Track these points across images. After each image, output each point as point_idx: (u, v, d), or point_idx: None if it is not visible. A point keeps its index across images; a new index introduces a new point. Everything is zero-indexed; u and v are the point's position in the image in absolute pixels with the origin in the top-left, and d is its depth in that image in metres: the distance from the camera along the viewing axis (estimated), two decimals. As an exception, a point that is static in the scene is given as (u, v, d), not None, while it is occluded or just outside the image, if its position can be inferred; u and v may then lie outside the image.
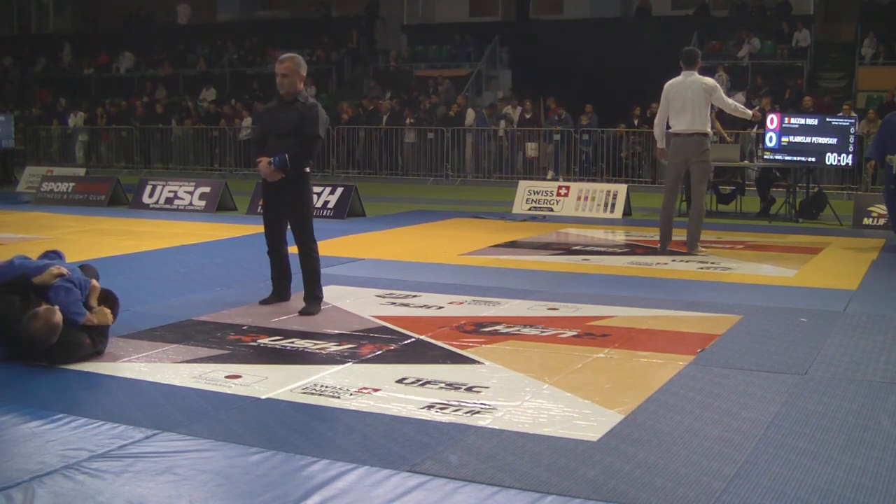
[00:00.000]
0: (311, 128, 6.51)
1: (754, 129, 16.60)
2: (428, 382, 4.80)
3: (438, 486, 3.47)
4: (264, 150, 6.62)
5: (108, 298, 5.58)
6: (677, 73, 9.39)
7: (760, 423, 4.16)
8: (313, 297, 6.60)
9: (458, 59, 24.83)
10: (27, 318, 4.97)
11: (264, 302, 6.77)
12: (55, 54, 29.61)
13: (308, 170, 6.65)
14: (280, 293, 6.83)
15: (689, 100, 9.16)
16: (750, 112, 9.99)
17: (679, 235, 9.64)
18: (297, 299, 6.69)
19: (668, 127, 9.46)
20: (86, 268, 5.76)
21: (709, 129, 9.42)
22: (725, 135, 14.52)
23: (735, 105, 9.66)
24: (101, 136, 23.91)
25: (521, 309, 6.69)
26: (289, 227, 6.80)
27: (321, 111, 6.62)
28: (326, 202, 12.90)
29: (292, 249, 6.82)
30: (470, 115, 20.50)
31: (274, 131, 6.62)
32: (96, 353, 5.23)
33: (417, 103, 22.12)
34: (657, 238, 9.83)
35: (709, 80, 9.42)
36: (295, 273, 6.81)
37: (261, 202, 7.12)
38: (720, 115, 12.49)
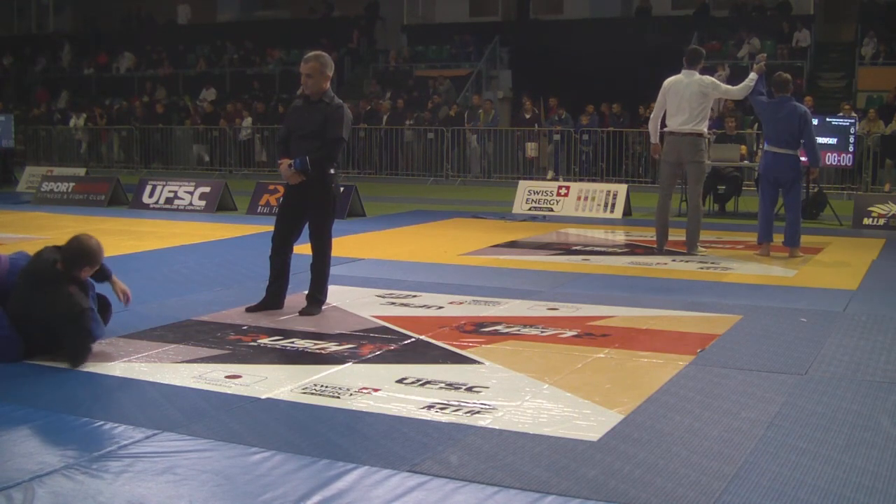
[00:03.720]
0: (333, 130, 6.36)
1: (755, 129, 16.56)
2: (428, 382, 4.80)
3: (438, 486, 3.47)
4: (288, 151, 6.50)
5: (100, 304, 5.57)
6: (678, 73, 9.35)
7: (760, 423, 4.16)
8: (316, 300, 6.54)
9: (458, 59, 24.81)
10: (84, 236, 5.24)
11: (251, 309, 6.50)
12: (55, 54, 29.59)
13: (333, 171, 6.48)
14: (272, 301, 6.56)
15: (686, 99, 9.10)
16: (754, 76, 9.20)
17: (678, 235, 9.63)
18: (290, 304, 6.60)
19: (664, 125, 9.42)
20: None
21: (704, 130, 9.36)
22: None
23: (739, 87, 9.24)
24: (101, 136, 23.91)
25: (521, 309, 6.69)
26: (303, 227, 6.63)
27: (346, 112, 6.47)
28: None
29: (298, 249, 6.76)
30: (483, 115, 20.30)
31: (297, 131, 6.48)
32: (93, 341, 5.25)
33: (418, 103, 22.08)
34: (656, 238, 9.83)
35: (707, 78, 9.30)
36: (295, 273, 6.78)
37: (275, 200, 6.94)
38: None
